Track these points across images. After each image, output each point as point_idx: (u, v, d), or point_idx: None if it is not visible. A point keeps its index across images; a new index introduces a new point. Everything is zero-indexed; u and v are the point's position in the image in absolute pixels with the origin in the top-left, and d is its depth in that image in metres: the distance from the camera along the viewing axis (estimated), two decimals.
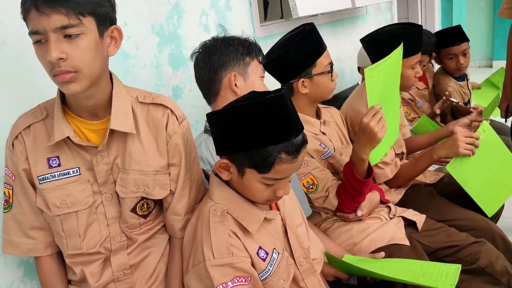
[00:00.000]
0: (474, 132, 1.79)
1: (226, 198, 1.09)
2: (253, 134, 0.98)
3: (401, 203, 1.91)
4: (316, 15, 2.52)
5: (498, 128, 2.94)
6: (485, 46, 6.23)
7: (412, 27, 1.88)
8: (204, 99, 1.46)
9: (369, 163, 1.54)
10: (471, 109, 2.35)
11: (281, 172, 1.02)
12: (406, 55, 1.80)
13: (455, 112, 2.77)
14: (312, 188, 1.67)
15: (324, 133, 1.77)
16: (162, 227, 1.21)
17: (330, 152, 1.72)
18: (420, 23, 4.17)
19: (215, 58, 1.38)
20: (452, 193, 1.81)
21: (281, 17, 2.29)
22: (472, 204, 1.79)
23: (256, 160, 1.00)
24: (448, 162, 1.76)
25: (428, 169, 2.01)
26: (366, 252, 1.57)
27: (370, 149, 1.47)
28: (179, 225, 1.17)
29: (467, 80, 2.91)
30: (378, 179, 1.91)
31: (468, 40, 2.72)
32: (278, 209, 1.20)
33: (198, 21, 1.82)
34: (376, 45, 1.86)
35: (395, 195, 1.94)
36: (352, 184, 1.55)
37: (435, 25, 4.09)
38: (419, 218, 1.73)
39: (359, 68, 2.41)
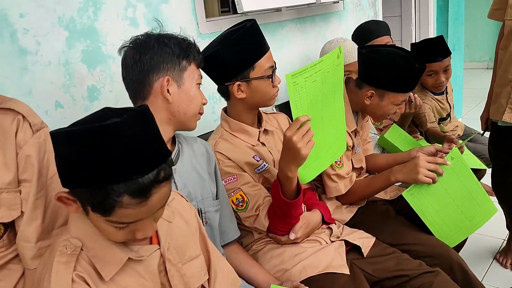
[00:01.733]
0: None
1: (85, 231, 0.88)
2: (94, 166, 0.75)
3: (352, 223, 1.69)
4: (280, 9, 2.30)
5: (474, 139, 2.71)
6: (493, 46, 5.90)
7: (416, 63, 1.65)
8: (131, 101, 1.26)
9: (298, 181, 1.32)
10: (447, 136, 2.13)
11: (127, 216, 0.81)
12: (397, 89, 1.66)
13: (428, 135, 2.50)
14: (241, 205, 1.46)
15: (263, 144, 1.56)
16: (17, 256, 1.01)
17: (265, 165, 1.51)
18: (413, 20, 3.91)
19: (147, 58, 1.19)
20: (412, 213, 1.58)
21: (233, 11, 2.07)
22: None
23: (94, 199, 0.78)
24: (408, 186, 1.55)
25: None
26: (296, 280, 1.35)
27: (296, 166, 1.26)
28: (29, 253, 0.97)
29: (447, 93, 2.64)
30: (330, 193, 1.70)
31: (450, 53, 2.44)
32: (159, 242, 0.97)
33: (123, 14, 1.62)
34: (370, 64, 1.66)
35: (346, 213, 1.72)
36: (279, 205, 1.34)
37: (430, 23, 3.82)
38: (366, 242, 1.50)
39: None
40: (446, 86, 2.62)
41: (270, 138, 1.61)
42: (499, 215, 1.88)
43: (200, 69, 1.29)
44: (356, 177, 1.76)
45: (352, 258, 1.46)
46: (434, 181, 1.52)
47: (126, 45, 1.23)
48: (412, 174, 1.52)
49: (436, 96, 2.57)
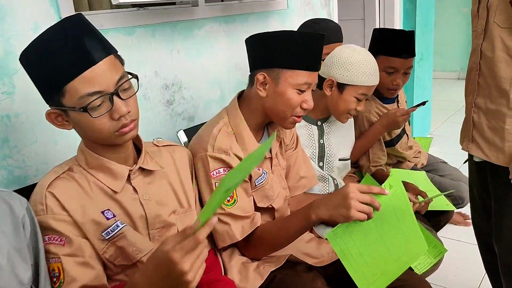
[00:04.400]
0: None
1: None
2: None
3: None
4: (197, 3, 1.77)
5: (439, 169, 2.26)
6: (465, 57, 5.52)
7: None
8: None
9: None
10: (410, 186, 1.67)
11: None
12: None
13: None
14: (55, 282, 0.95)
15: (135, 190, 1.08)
16: None
17: (117, 227, 1.00)
18: (377, 24, 3.46)
19: None
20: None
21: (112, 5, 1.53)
22: None
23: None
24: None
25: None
26: None
27: None
28: None
29: (398, 102, 2.17)
30: (222, 240, 1.24)
31: (415, 55, 2.01)
32: None
33: None
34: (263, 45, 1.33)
35: (253, 279, 1.24)
36: None
37: (395, 28, 3.37)
38: None
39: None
40: (398, 95, 2.16)
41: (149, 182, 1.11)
42: None
43: None
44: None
45: None
46: (369, 217, 1.08)
47: None
48: (340, 209, 1.08)
49: (385, 105, 2.09)
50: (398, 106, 2.18)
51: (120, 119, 0.98)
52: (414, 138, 2.55)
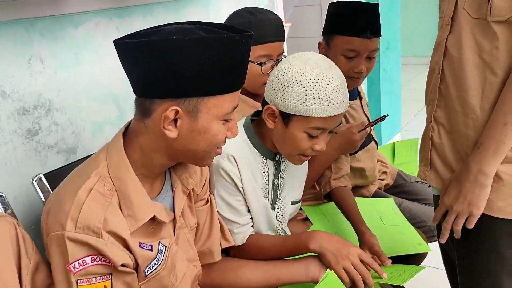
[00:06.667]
0: None
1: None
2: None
3: None
4: None
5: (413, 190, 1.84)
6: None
7: None
8: None
9: None
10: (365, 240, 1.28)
11: None
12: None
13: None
14: None
15: None
16: None
17: None
18: None
19: None
20: None
21: None
22: None
23: None
24: None
25: None
26: None
27: None
28: None
29: (360, 98, 1.73)
30: None
31: (380, 35, 1.57)
32: None
33: None
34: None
35: None
36: None
37: None
38: None
39: None
40: (360, 92, 1.74)
41: None
42: None
43: None
44: None
45: None
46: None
47: None
48: None
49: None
50: (361, 105, 1.74)
51: None
52: (396, 143, 2.12)
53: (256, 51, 1.34)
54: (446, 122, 1.04)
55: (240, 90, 0.95)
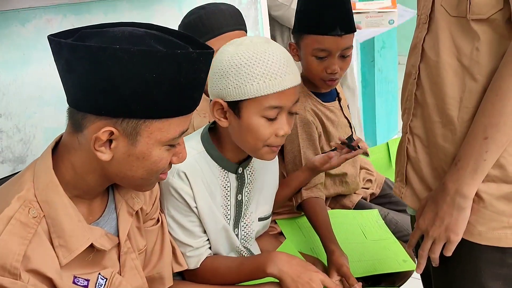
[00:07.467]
0: None
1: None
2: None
3: None
4: None
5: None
6: None
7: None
8: None
9: None
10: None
11: None
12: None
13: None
14: None
15: None
16: None
17: None
18: None
19: None
20: None
21: None
22: None
23: None
24: None
25: None
26: None
27: None
28: None
29: (339, 99, 1.60)
30: None
31: (355, 30, 1.45)
32: None
33: None
34: None
35: None
36: None
37: None
38: None
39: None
40: (339, 93, 1.61)
41: None
42: None
43: None
44: None
45: None
46: None
47: None
48: None
49: (325, 103, 1.52)
50: (341, 106, 1.61)
51: None
52: (389, 142, 1.99)
53: (214, 45, 1.20)
54: (422, 134, 0.92)
55: (192, 114, 0.84)
